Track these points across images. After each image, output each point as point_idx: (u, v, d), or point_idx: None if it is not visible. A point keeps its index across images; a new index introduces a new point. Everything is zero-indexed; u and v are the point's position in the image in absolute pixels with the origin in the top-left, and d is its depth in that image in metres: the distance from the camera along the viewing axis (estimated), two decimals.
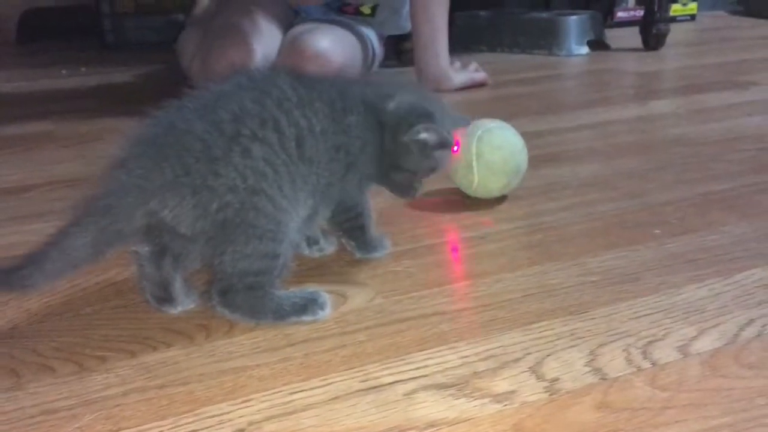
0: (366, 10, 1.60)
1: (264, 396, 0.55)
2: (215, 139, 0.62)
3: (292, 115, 0.65)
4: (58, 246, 0.59)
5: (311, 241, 0.78)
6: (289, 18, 1.51)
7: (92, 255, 0.60)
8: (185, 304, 0.67)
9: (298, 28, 1.46)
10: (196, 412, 0.53)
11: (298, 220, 0.66)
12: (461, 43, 2.16)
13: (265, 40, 1.40)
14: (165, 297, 0.66)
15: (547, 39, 2.09)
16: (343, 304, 0.68)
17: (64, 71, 2.07)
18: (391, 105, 0.72)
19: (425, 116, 0.71)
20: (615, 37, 2.25)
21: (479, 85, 1.67)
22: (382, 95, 0.72)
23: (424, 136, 0.71)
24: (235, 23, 1.40)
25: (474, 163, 0.89)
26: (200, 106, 0.64)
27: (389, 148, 0.72)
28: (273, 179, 0.63)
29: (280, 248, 0.64)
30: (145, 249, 0.65)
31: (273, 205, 0.63)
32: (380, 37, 1.67)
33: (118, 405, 0.54)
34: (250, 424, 0.51)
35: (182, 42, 1.58)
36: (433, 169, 0.74)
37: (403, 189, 0.75)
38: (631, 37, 2.17)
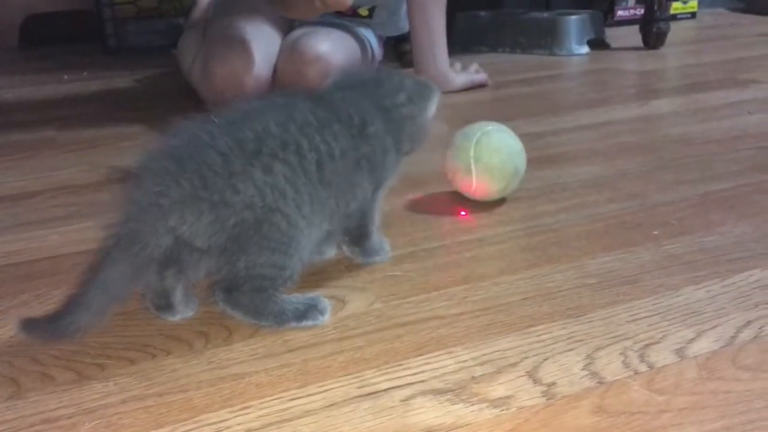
0: (363, 11, 1.60)
1: (262, 403, 0.55)
2: (236, 154, 0.62)
3: (314, 140, 0.66)
4: (96, 284, 0.58)
5: None
6: (288, 21, 1.51)
7: (132, 284, 0.60)
8: (185, 312, 0.67)
9: (298, 32, 1.46)
10: (195, 419, 0.53)
11: (310, 241, 0.67)
12: (461, 44, 2.16)
13: (265, 44, 1.40)
14: (165, 305, 0.67)
15: (547, 39, 2.09)
16: (342, 308, 0.69)
17: (65, 76, 2.08)
18: (403, 98, 0.75)
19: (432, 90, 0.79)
20: (615, 36, 2.24)
21: (480, 86, 1.67)
22: (391, 91, 0.75)
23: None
24: (235, 27, 1.40)
25: (472, 166, 0.89)
26: (225, 123, 0.65)
27: (409, 136, 0.75)
28: (292, 198, 0.63)
29: (289, 262, 0.65)
30: None
31: (288, 222, 0.63)
32: (379, 38, 1.67)
33: (117, 413, 0.54)
34: (248, 431, 0.52)
35: (182, 46, 1.58)
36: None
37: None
38: (632, 35, 2.17)
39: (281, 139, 0.64)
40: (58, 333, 0.59)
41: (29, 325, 0.59)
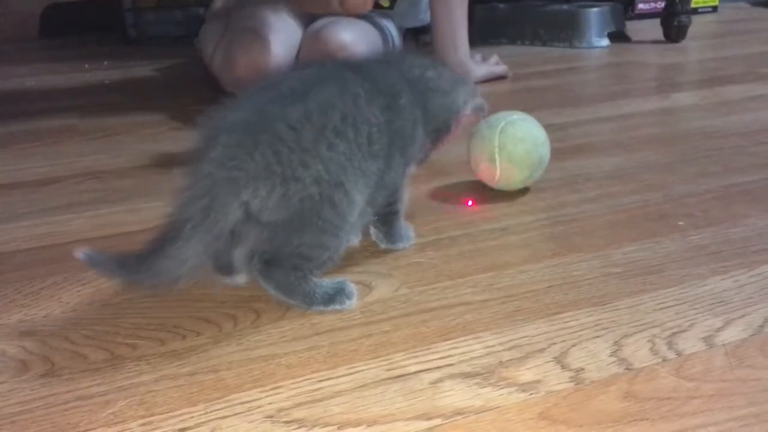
0: (385, 2, 1.60)
1: (292, 383, 0.55)
2: (306, 128, 0.62)
3: (363, 112, 0.66)
4: (169, 255, 0.58)
5: None
6: (309, 13, 1.51)
7: (203, 257, 0.60)
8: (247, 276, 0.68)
9: (320, 22, 1.46)
10: (227, 398, 0.54)
11: (357, 218, 0.68)
12: (481, 36, 2.15)
13: (287, 34, 1.41)
14: (230, 270, 0.68)
15: (567, 31, 2.08)
16: (368, 294, 0.69)
17: (86, 65, 2.09)
18: (431, 73, 0.77)
19: (471, 86, 0.82)
20: (636, 29, 2.23)
21: (500, 78, 1.67)
22: (419, 66, 0.77)
23: (480, 102, 0.82)
24: (257, 17, 1.40)
25: (497, 155, 0.89)
26: (289, 92, 0.64)
27: (433, 113, 0.76)
28: (351, 174, 0.64)
29: (335, 243, 0.66)
30: None
31: (348, 200, 0.64)
32: (399, 29, 1.67)
33: (149, 391, 0.55)
34: (280, 410, 0.52)
35: (203, 36, 1.58)
36: None
37: (426, 153, 0.79)
38: (653, 29, 2.16)
39: (341, 111, 0.64)
40: (128, 277, 0.60)
41: (97, 258, 0.59)
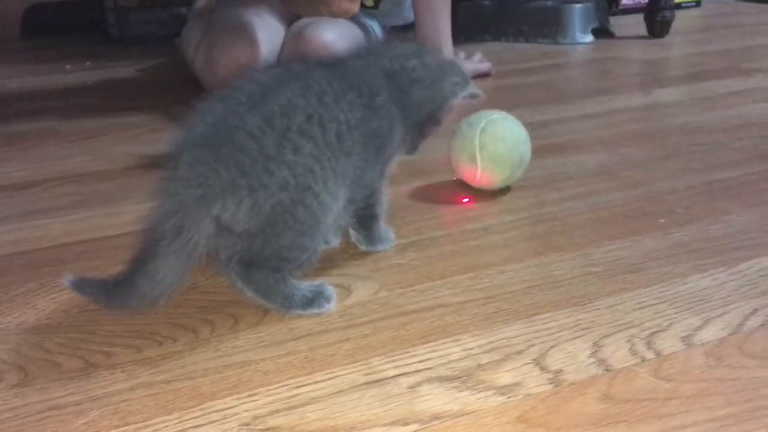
0: (369, 2, 1.60)
1: (269, 390, 0.55)
2: (267, 135, 0.61)
3: (332, 110, 0.65)
4: (146, 275, 0.59)
5: None
6: (292, 12, 1.50)
7: (182, 273, 0.60)
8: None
9: (303, 21, 1.45)
10: (202, 406, 0.53)
11: (333, 218, 0.67)
12: (465, 33, 2.15)
13: (269, 34, 1.40)
14: None
15: (551, 28, 2.08)
16: (348, 297, 0.69)
17: (68, 66, 2.07)
18: (414, 63, 0.74)
19: (461, 73, 0.79)
20: (619, 24, 2.23)
21: (484, 75, 1.66)
22: (400, 57, 0.74)
23: (472, 91, 0.80)
24: (238, 17, 1.39)
25: (477, 155, 0.89)
26: (247, 98, 0.63)
27: (417, 105, 0.75)
28: (320, 175, 0.63)
29: (312, 243, 0.65)
30: None
31: (318, 202, 0.63)
32: (383, 28, 1.67)
33: (124, 400, 0.54)
34: (255, 418, 0.52)
35: (185, 36, 1.57)
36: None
37: (416, 143, 0.78)
38: (636, 24, 2.16)
39: (305, 112, 0.63)
40: (111, 302, 0.61)
41: (81, 284, 0.61)
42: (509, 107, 0.95)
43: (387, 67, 0.73)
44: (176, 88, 1.66)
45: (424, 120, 0.77)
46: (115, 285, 0.59)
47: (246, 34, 1.35)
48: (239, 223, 0.62)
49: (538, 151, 0.97)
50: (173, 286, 0.60)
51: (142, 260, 0.58)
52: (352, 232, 0.77)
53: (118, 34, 2.52)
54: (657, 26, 2.06)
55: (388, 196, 0.77)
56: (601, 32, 2.12)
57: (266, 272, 0.65)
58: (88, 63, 2.10)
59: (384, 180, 0.75)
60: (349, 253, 0.77)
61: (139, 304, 0.60)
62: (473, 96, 0.81)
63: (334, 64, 0.71)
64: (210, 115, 0.63)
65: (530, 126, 0.93)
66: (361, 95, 0.68)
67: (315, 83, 0.65)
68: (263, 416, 0.52)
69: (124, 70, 1.99)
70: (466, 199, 0.91)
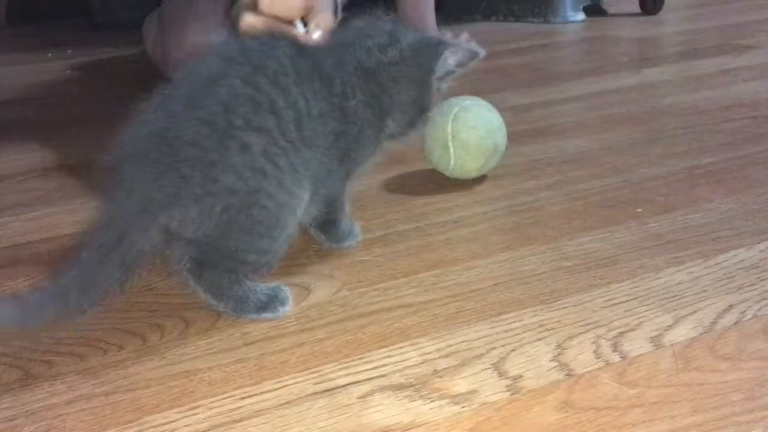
0: None
1: (212, 402, 0.52)
2: (207, 139, 0.57)
3: (290, 94, 0.60)
4: (79, 281, 0.56)
5: None
6: None
7: (123, 279, 0.58)
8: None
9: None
10: (140, 421, 0.51)
11: (297, 216, 0.63)
12: (454, 13, 2.10)
13: (219, 17, 1.34)
14: None
15: (541, 6, 2.03)
16: (306, 297, 0.66)
17: (50, 54, 2.04)
18: (392, 54, 0.66)
19: (440, 45, 0.68)
20: (612, 1, 2.18)
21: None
22: (374, 49, 0.66)
23: (451, 61, 0.68)
24: (189, 5, 1.34)
25: (450, 143, 0.85)
26: (186, 97, 0.59)
27: (404, 104, 0.68)
28: (273, 175, 0.59)
29: (273, 245, 0.62)
30: None
31: (274, 202, 0.60)
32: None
33: (59, 415, 0.52)
34: None
35: (146, 26, 1.52)
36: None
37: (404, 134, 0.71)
38: (629, 1, 2.11)
39: (252, 100, 0.58)
40: (26, 320, 0.56)
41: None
42: (493, 90, 0.92)
43: (364, 61, 0.66)
44: (159, 77, 1.62)
45: (413, 117, 0.70)
46: (34, 299, 0.56)
47: (197, 23, 1.30)
48: (189, 230, 0.59)
49: (517, 137, 0.93)
50: (104, 296, 0.57)
51: (76, 267, 0.55)
52: (312, 232, 0.74)
53: (104, 20, 2.48)
54: (650, 3, 2.02)
55: (356, 190, 0.73)
56: (594, 10, 2.07)
57: (219, 272, 0.61)
58: (70, 51, 2.06)
59: (347, 189, 0.71)
60: (312, 250, 0.74)
61: (63, 315, 0.56)
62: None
63: (310, 50, 0.64)
64: (149, 124, 0.59)
65: (513, 110, 0.90)
66: (331, 91, 0.63)
67: (273, 61, 0.60)
68: (203, 431, 0.49)
69: (107, 57, 1.95)
70: None
